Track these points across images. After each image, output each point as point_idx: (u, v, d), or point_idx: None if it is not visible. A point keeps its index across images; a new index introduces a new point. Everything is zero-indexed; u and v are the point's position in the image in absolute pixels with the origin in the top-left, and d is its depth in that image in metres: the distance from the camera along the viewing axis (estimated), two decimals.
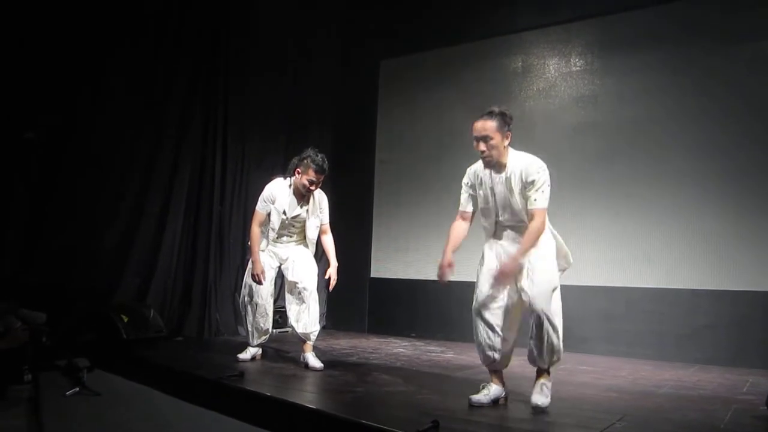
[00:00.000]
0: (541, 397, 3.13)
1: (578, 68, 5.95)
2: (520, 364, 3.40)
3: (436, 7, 6.66)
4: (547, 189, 3.11)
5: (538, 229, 3.07)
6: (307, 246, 4.48)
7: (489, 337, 3.18)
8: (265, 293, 4.41)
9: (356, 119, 7.32)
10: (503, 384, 3.26)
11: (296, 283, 4.28)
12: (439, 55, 6.79)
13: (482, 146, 3.12)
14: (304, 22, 6.88)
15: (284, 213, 4.33)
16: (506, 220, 3.23)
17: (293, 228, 4.44)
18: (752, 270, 4.94)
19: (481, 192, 3.28)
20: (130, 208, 5.54)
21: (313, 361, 4.23)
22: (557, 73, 6.05)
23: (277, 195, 4.35)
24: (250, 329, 4.50)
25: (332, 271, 4.39)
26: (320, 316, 4.45)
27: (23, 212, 4.84)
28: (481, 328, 3.20)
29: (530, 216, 3.11)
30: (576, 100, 5.91)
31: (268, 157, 6.56)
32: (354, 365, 4.50)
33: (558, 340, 3.10)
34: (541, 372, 3.21)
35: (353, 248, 7.01)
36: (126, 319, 4.94)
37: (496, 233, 3.30)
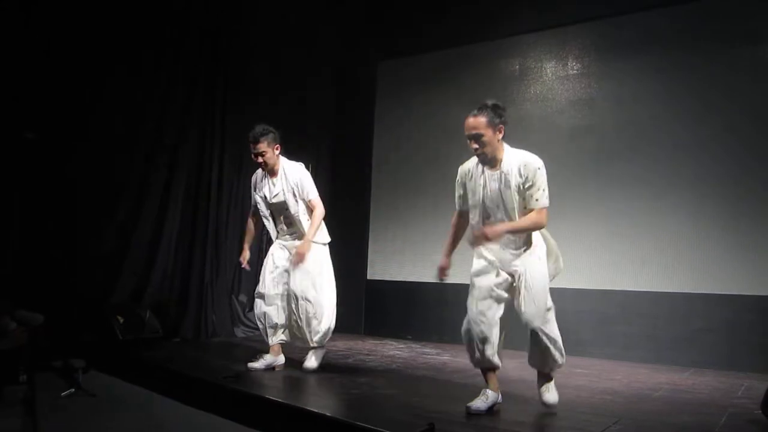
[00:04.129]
0: (552, 395, 3.15)
1: (575, 71, 5.96)
2: (516, 367, 3.41)
3: (434, 9, 6.67)
4: (547, 187, 3.07)
5: (536, 221, 3.04)
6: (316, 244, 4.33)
7: (481, 337, 3.12)
8: (269, 283, 4.27)
9: (353, 121, 7.32)
10: (497, 389, 3.21)
11: (295, 292, 4.17)
12: (437, 57, 6.80)
13: (474, 144, 3.07)
14: (303, 25, 6.88)
15: (265, 198, 4.30)
16: (497, 221, 3.13)
17: (286, 218, 4.33)
18: (748, 274, 4.95)
19: (470, 187, 3.21)
20: (127, 209, 5.54)
21: (307, 362, 4.18)
22: (554, 77, 6.06)
23: (257, 181, 4.39)
24: (260, 326, 4.33)
25: (299, 247, 4.16)
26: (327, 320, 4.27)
27: (21, 213, 4.83)
28: (475, 330, 3.14)
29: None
30: (573, 103, 5.92)
31: None
32: (350, 367, 4.50)
33: (557, 350, 3.12)
34: (543, 374, 3.22)
35: (350, 250, 7.02)
36: (122, 320, 4.94)
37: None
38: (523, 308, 3.07)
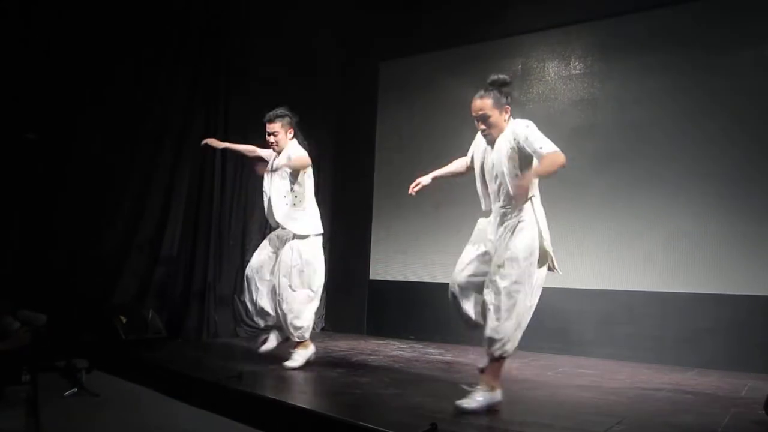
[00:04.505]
0: (468, 401, 3.01)
1: (578, 71, 5.95)
2: (517, 367, 3.41)
3: (436, 9, 6.66)
4: (545, 137, 3.01)
5: (553, 159, 2.92)
6: (302, 237, 4.33)
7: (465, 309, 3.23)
8: (255, 264, 4.39)
9: (356, 121, 7.33)
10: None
11: (275, 286, 4.26)
12: (439, 57, 6.79)
13: (482, 125, 3.13)
14: (305, 25, 6.89)
15: (266, 175, 4.41)
16: (494, 192, 3.15)
17: (283, 195, 4.37)
18: (752, 274, 4.94)
19: (476, 156, 3.30)
20: (130, 209, 5.55)
21: (289, 360, 4.23)
22: (557, 76, 6.05)
23: (273, 155, 4.51)
24: (250, 308, 4.46)
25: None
26: (307, 314, 4.32)
27: (24, 213, 4.84)
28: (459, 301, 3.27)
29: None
30: (575, 103, 5.91)
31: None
32: (352, 367, 4.50)
33: (498, 332, 2.99)
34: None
35: (352, 250, 7.03)
36: (125, 320, 4.95)
37: (491, 206, 3.24)
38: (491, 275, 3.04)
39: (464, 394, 3.08)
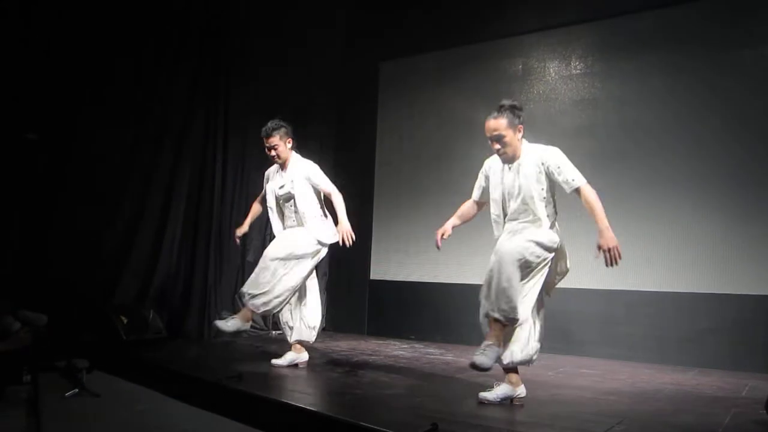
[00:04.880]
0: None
1: (578, 71, 5.95)
2: (522, 368, 3.40)
3: (436, 9, 6.67)
4: (573, 166, 3.18)
5: (595, 195, 3.15)
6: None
7: None
8: None
9: (356, 121, 7.33)
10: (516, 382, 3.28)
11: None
12: (439, 57, 6.79)
13: (497, 145, 3.23)
14: (304, 25, 6.89)
15: (273, 190, 4.41)
16: (513, 212, 3.28)
17: (291, 214, 4.41)
18: (753, 273, 4.93)
19: (492, 182, 3.38)
20: (131, 209, 5.55)
21: (280, 359, 4.30)
22: (557, 76, 6.05)
23: (270, 175, 4.53)
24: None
25: (340, 227, 4.21)
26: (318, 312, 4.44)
27: (24, 213, 4.84)
28: None
29: (579, 195, 3.18)
30: (576, 103, 5.91)
31: (268, 159, 6.55)
32: (353, 367, 4.50)
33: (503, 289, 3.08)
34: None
35: (352, 250, 7.00)
36: (125, 321, 4.95)
37: (504, 226, 3.36)
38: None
39: (465, 393, 3.08)
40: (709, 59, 5.29)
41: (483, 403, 3.21)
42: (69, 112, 5.08)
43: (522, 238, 3.18)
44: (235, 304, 6.29)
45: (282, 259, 4.22)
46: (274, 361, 4.29)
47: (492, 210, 3.41)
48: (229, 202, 6.26)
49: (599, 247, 3.05)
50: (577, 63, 5.96)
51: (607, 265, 3.11)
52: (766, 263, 4.90)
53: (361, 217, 7.03)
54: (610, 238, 3.07)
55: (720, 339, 4.96)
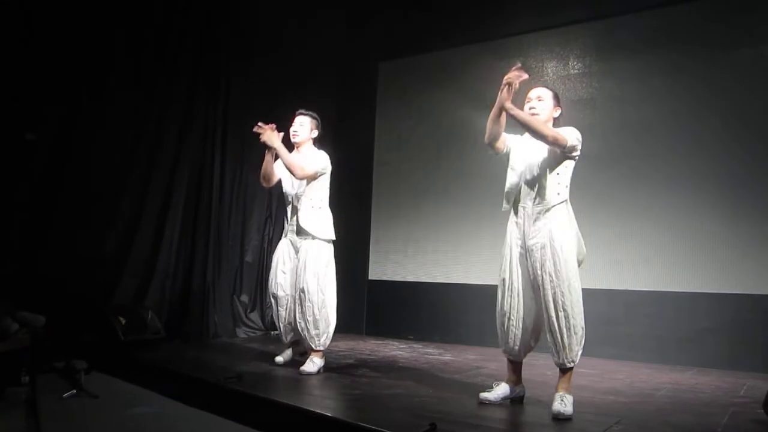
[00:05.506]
0: (559, 405, 3.06)
1: (576, 71, 5.96)
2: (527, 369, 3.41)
3: (435, 9, 6.67)
4: (574, 136, 3.20)
5: (555, 132, 3.17)
6: (327, 241, 4.32)
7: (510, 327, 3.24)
8: (282, 283, 4.34)
9: (355, 121, 7.32)
10: (519, 382, 3.30)
11: (303, 294, 4.16)
12: (438, 57, 6.79)
13: (534, 103, 3.33)
14: (304, 26, 6.89)
15: (290, 178, 4.35)
16: (526, 188, 3.24)
17: (294, 201, 4.36)
18: (752, 273, 4.94)
19: (516, 153, 3.37)
20: (129, 209, 5.54)
21: (306, 365, 4.13)
22: (555, 76, 6.05)
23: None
24: (277, 326, 4.49)
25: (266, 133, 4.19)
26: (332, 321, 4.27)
27: (23, 213, 4.84)
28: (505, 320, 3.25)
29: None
30: (574, 102, 5.91)
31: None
32: (352, 367, 4.50)
33: (569, 338, 3.12)
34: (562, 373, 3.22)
35: (351, 250, 7.02)
36: (123, 321, 4.94)
37: (518, 207, 3.29)
38: (540, 280, 3.10)
39: (464, 394, 3.08)
40: (708, 59, 5.29)
41: (483, 403, 3.22)
42: (68, 112, 5.07)
43: (562, 260, 3.09)
44: (233, 304, 6.29)
45: (323, 292, 4.18)
46: (304, 369, 4.09)
47: (508, 179, 3.34)
48: (227, 203, 6.26)
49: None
50: (575, 63, 5.97)
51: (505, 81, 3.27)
52: (764, 263, 4.91)
53: (359, 217, 7.04)
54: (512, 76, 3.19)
55: (719, 339, 4.97)
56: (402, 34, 6.95)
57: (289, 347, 4.48)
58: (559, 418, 2.97)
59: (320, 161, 4.31)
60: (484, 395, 3.24)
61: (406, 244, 6.75)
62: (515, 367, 3.32)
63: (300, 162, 4.23)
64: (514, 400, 3.33)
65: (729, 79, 5.18)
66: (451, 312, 6.14)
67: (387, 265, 6.88)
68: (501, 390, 3.27)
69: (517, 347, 3.25)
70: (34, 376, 3.87)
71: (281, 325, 4.41)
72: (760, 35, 5.10)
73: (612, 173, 5.57)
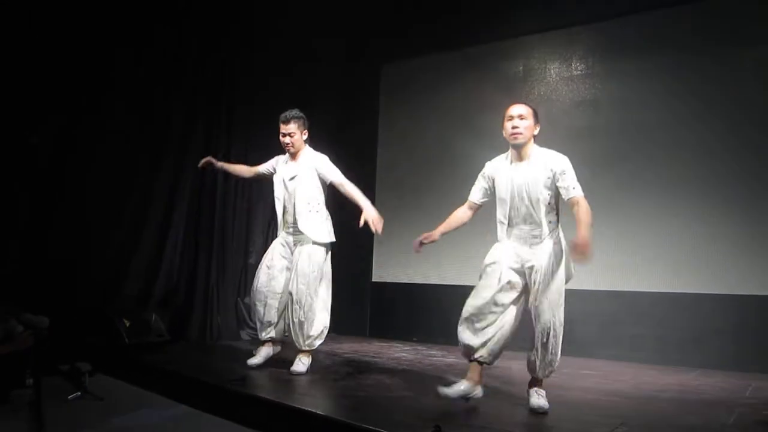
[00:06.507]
0: (540, 399, 3.19)
1: (579, 72, 5.95)
2: (521, 368, 3.40)
3: (437, 11, 6.67)
4: (575, 177, 3.22)
5: (588, 209, 3.15)
6: (321, 245, 4.31)
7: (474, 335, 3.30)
8: (262, 279, 4.32)
9: (358, 124, 7.32)
10: (480, 382, 3.28)
11: (291, 295, 4.16)
12: (441, 59, 6.80)
13: (516, 122, 3.27)
14: (306, 29, 6.90)
15: (282, 181, 4.33)
16: (520, 216, 3.29)
17: (291, 207, 4.31)
18: (756, 274, 4.93)
19: (499, 182, 3.38)
20: (133, 212, 5.56)
21: (294, 365, 4.16)
22: (558, 78, 6.05)
23: (277, 163, 4.47)
24: (255, 320, 4.48)
25: (366, 215, 4.12)
26: (320, 324, 4.28)
27: (27, 217, 4.85)
28: (468, 332, 3.33)
29: (572, 204, 3.18)
30: (577, 104, 5.91)
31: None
32: (356, 369, 4.50)
33: (556, 355, 3.21)
34: (536, 378, 3.28)
35: (355, 252, 7.02)
36: (128, 324, 4.95)
37: (509, 230, 3.35)
38: (538, 304, 3.15)
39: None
40: (710, 60, 5.28)
41: (475, 406, 3.23)
42: (71, 116, 5.08)
43: (553, 292, 3.18)
44: (237, 306, 6.29)
45: (310, 295, 4.17)
46: (294, 369, 4.14)
47: (498, 211, 3.39)
48: (231, 206, 6.27)
49: (573, 245, 2.99)
50: (578, 64, 5.96)
51: (574, 259, 3.14)
52: None
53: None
54: (585, 237, 3.01)
55: (723, 340, 4.95)
56: (405, 37, 6.94)
57: (263, 345, 4.37)
58: (539, 412, 3.10)
59: (333, 168, 4.32)
60: (444, 390, 3.24)
61: (410, 245, 6.69)
62: (480, 369, 3.33)
63: (355, 192, 4.27)
64: (517, 402, 3.32)
65: (732, 80, 5.17)
66: (456, 314, 6.08)
67: (390, 267, 6.88)
68: (463, 387, 3.25)
69: (491, 356, 3.29)
70: (39, 378, 3.87)
71: (258, 323, 4.38)
72: (761, 35, 5.09)
73: (615, 174, 5.56)
